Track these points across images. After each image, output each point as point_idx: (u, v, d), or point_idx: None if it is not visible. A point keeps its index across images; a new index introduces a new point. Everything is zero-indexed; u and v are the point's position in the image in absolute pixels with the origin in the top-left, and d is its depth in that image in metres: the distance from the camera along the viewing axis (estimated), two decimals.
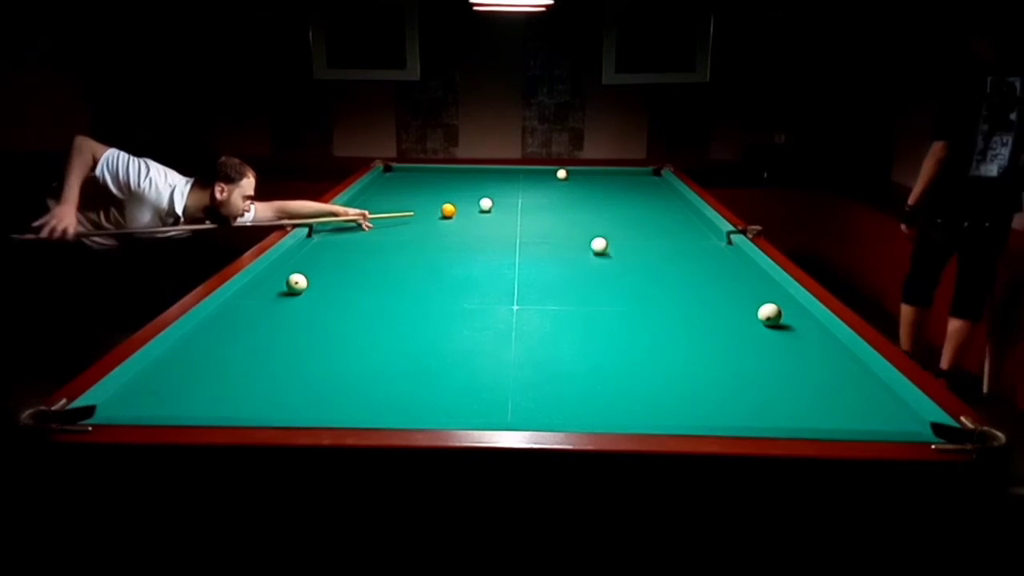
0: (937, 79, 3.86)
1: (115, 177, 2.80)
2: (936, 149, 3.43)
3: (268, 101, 5.82)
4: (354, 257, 2.88)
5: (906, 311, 3.77)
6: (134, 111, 5.67)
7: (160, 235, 2.97)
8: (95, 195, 2.80)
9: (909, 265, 3.75)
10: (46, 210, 2.79)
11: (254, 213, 3.11)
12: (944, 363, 3.61)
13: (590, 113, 5.92)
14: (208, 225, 3.00)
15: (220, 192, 2.93)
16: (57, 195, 2.82)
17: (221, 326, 2.12)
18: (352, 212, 3.27)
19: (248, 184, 2.99)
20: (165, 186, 2.88)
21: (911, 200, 3.57)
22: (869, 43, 5.39)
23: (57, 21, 5.52)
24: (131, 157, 2.85)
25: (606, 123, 5.93)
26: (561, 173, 4.54)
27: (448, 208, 3.50)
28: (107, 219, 2.87)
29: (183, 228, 2.98)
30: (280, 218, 3.16)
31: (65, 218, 2.69)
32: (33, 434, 1.46)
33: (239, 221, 3.04)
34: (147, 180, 2.83)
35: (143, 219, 2.90)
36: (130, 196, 2.83)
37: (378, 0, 5.65)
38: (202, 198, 2.95)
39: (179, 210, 2.91)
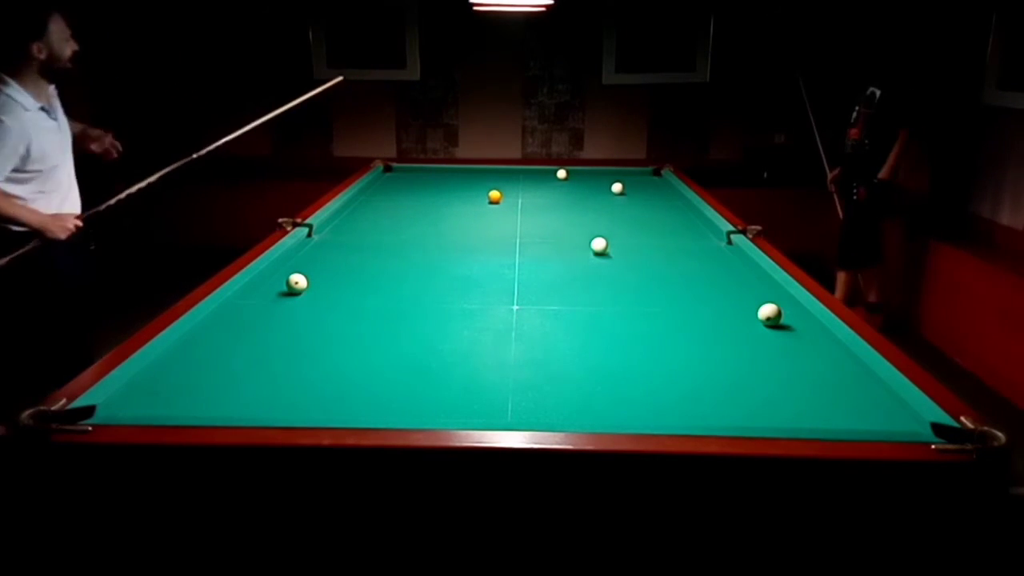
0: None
1: None
2: None
3: (268, 101, 5.81)
4: (354, 257, 2.88)
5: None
6: (135, 110, 5.67)
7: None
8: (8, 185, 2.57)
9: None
10: None
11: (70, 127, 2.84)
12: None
13: (590, 113, 5.92)
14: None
15: (39, 51, 2.61)
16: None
17: (221, 326, 2.12)
18: (95, 134, 2.98)
19: (57, 25, 2.65)
20: (8, 106, 2.56)
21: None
22: (867, 42, 5.38)
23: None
24: None
25: (606, 123, 5.93)
26: (561, 173, 4.53)
27: (494, 194, 3.78)
28: (36, 188, 2.63)
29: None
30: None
31: (61, 220, 2.65)
32: (33, 434, 1.46)
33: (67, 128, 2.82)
34: None
35: (50, 146, 2.65)
36: (13, 149, 2.53)
37: (378, 0, 5.65)
38: (30, 74, 2.63)
39: (35, 104, 2.63)
